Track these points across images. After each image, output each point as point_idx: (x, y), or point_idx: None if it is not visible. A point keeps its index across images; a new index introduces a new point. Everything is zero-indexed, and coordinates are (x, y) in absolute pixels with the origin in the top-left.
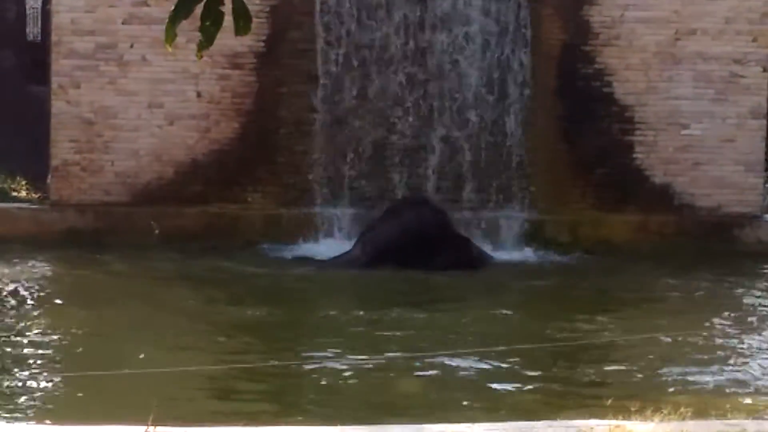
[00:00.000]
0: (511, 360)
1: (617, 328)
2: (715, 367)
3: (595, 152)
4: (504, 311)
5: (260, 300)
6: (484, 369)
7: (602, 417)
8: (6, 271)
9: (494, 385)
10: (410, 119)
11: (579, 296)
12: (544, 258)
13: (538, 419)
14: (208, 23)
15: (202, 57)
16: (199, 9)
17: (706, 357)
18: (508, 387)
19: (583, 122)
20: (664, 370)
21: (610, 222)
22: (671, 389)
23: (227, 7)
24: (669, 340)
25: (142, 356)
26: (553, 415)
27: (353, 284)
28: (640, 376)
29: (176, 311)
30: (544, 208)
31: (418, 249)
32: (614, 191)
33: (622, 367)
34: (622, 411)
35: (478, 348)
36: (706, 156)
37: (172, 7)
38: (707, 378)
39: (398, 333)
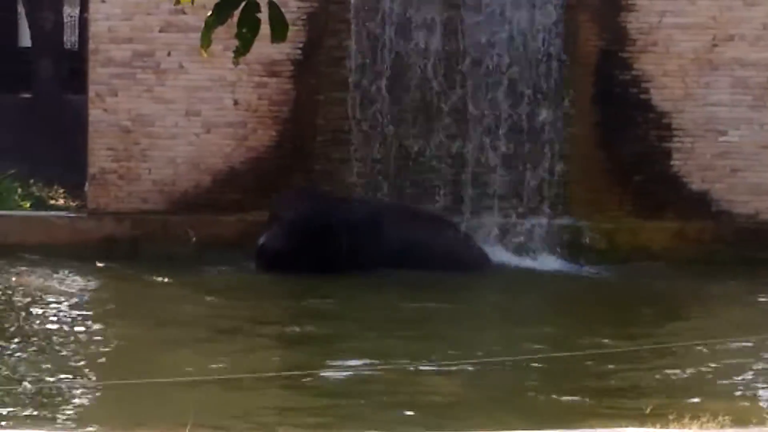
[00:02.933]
0: (548, 368)
1: (656, 336)
2: (755, 375)
3: (633, 159)
4: (534, 318)
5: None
6: (520, 377)
7: (640, 425)
8: (44, 280)
9: (530, 394)
10: (446, 127)
11: (614, 303)
12: (579, 267)
13: (575, 428)
14: (244, 30)
15: (238, 63)
16: (236, 16)
17: (746, 364)
18: (545, 395)
19: (621, 129)
20: (704, 377)
21: (647, 229)
22: (710, 397)
23: (264, 14)
24: (708, 347)
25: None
26: (591, 423)
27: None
28: (678, 383)
29: (209, 320)
30: (581, 215)
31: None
32: (652, 198)
33: (661, 375)
34: (660, 419)
35: (513, 356)
36: (743, 163)
37: (209, 14)
38: (747, 386)
39: (428, 340)
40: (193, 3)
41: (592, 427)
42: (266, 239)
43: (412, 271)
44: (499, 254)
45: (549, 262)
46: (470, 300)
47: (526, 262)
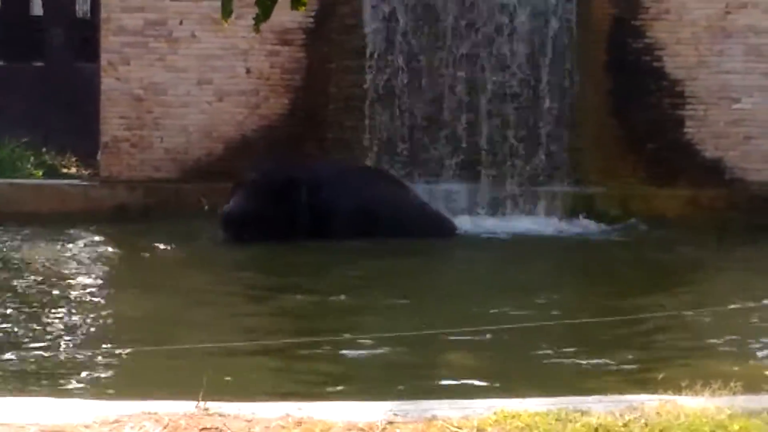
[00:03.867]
0: (558, 335)
1: (669, 302)
2: (767, 341)
3: (646, 127)
4: (542, 285)
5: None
6: (530, 345)
7: (653, 392)
8: (57, 248)
9: (543, 361)
10: (459, 94)
11: (629, 270)
12: (600, 230)
13: (589, 394)
14: None
15: (259, 31)
16: None
17: (759, 330)
18: (558, 362)
19: (633, 97)
20: (715, 344)
21: (660, 196)
22: (722, 363)
23: None
24: (720, 313)
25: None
26: (604, 390)
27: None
28: (689, 350)
29: (224, 289)
30: (594, 182)
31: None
32: (665, 166)
33: (672, 342)
34: (671, 386)
35: (524, 323)
36: (757, 130)
37: None
38: (760, 352)
39: (440, 307)
40: None
41: (603, 393)
42: (231, 205)
43: (380, 238)
44: (513, 221)
45: (560, 228)
46: (474, 268)
47: (538, 229)
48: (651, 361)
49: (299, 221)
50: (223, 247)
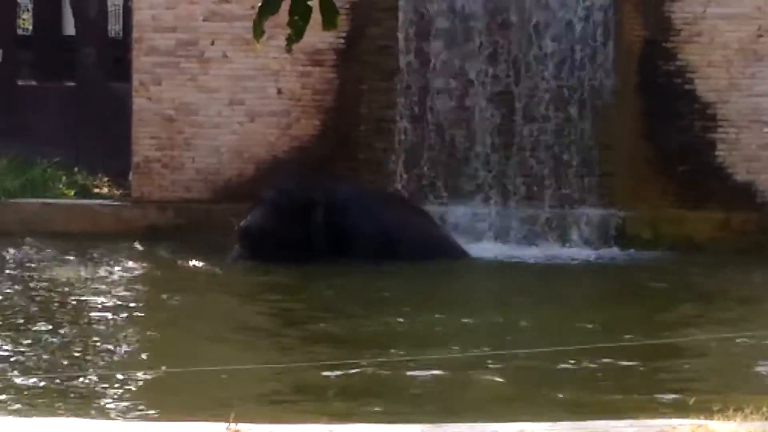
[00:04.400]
0: (591, 358)
1: (701, 326)
2: None
3: (677, 149)
4: (577, 309)
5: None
6: (564, 367)
7: (684, 416)
8: (87, 268)
9: (574, 384)
10: (491, 117)
11: (660, 294)
12: (630, 254)
13: (620, 418)
14: (296, 17)
15: (291, 51)
16: (285, 5)
17: None
18: (589, 385)
19: (665, 119)
20: (749, 369)
21: (691, 219)
22: (754, 389)
23: (314, 3)
24: (753, 338)
25: None
26: (635, 413)
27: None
28: (724, 375)
29: (252, 310)
30: (625, 205)
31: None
32: (696, 189)
33: (706, 366)
34: (704, 410)
35: (554, 347)
36: None
37: (260, 3)
38: None
39: (467, 330)
40: None
41: (635, 418)
42: (248, 222)
43: (395, 261)
44: (543, 245)
45: (591, 252)
46: (504, 291)
47: (570, 252)
48: (683, 386)
49: (315, 241)
50: (245, 266)
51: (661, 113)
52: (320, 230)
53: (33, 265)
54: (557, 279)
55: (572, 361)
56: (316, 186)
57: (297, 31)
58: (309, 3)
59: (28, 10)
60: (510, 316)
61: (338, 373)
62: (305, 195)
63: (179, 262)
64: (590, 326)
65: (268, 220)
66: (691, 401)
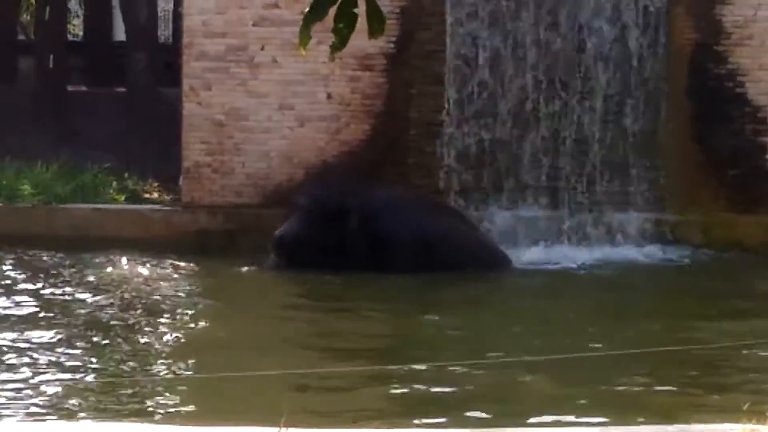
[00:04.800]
0: (645, 363)
1: (755, 330)
2: None
3: (728, 153)
4: (629, 313)
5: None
6: (617, 372)
7: (737, 421)
8: (138, 273)
9: (625, 389)
10: (541, 120)
11: (712, 297)
12: (680, 257)
13: (672, 423)
14: (341, 25)
15: (335, 59)
16: (332, 11)
17: None
18: (641, 390)
19: (715, 122)
20: None
21: (741, 223)
22: None
23: (361, 9)
24: None
25: None
26: (687, 419)
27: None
28: None
29: (302, 316)
30: (676, 209)
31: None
32: (746, 192)
33: (759, 371)
34: (757, 415)
35: (608, 351)
36: None
37: (305, 9)
38: None
39: (519, 335)
40: None
41: (688, 422)
42: (283, 230)
43: (432, 269)
44: (594, 248)
45: (644, 256)
46: (555, 295)
47: (621, 255)
48: (736, 390)
49: (350, 249)
50: (282, 275)
51: (712, 117)
52: (355, 238)
53: (84, 270)
54: (609, 283)
55: (625, 365)
56: (351, 193)
57: (341, 39)
58: (355, 10)
59: (78, 16)
60: (560, 322)
61: (388, 379)
62: (339, 202)
63: (235, 270)
64: (643, 330)
65: (302, 228)
66: (744, 406)
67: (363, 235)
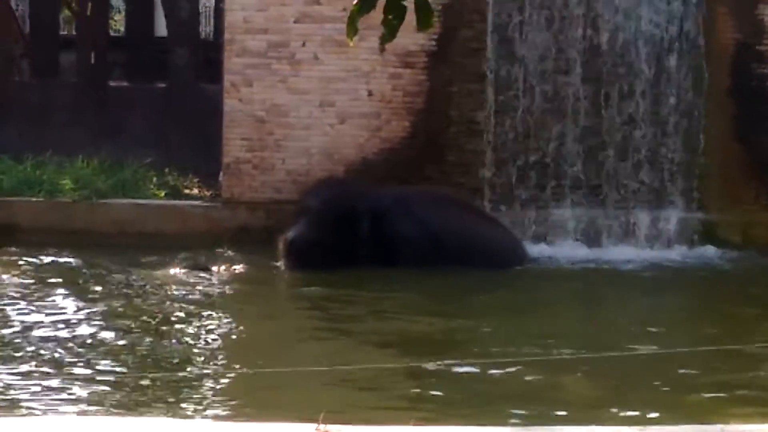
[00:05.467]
0: (681, 363)
1: None
2: None
3: None
4: (667, 312)
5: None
6: (655, 371)
7: None
8: (177, 269)
9: (667, 387)
10: (581, 118)
11: (752, 298)
12: (721, 258)
13: (712, 423)
14: (390, 17)
15: (384, 50)
16: (380, 4)
17: None
18: (683, 389)
19: (757, 122)
20: None
21: None
22: None
23: (409, 3)
24: None
25: None
26: (728, 418)
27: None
28: None
29: (342, 313)
30: (716, 208)
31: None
32: None
33: None
34: None
35: (646, 350)
36: None
37: (353, 3)
38: None
39: (559, 333)
40: None
41: (725, 423)
42: (293, 233)
43: (445, 267)
44: (634, 247)
45: (681, 256)
46: (593, 294)
47: (659, 256)
48: None
49: (361, 249)
50: (295, 276)
51: (754, 116)
52: (365, 238)
53: (123, 266)
54: (644, 282)
55: (663, 365)
56: (361, 193)
57: (390, 31)
58: (404, 3)
59: (120, 12)
60: (597, 320)
61: (424, 375)
62: (348, 203)
63: (275, 266)
64: (682, 330)
65: (312, 230)
66: None
67: (372, 234)
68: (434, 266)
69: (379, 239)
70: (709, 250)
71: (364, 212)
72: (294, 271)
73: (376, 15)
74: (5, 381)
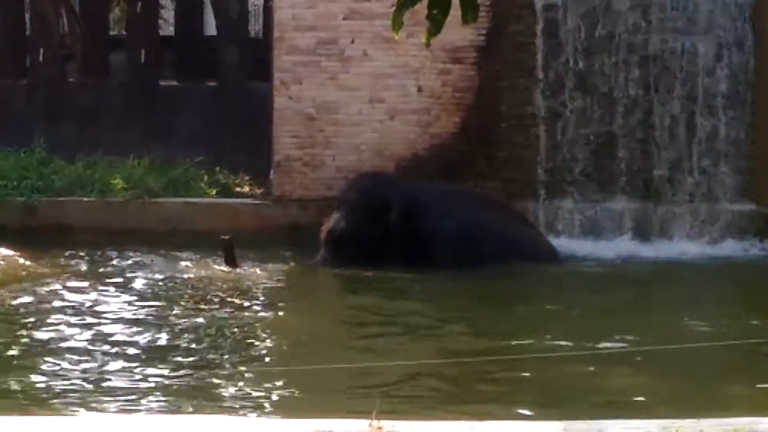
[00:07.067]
0: (729, 356)
1: None
2: None
3: None
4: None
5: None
6: (700, 364)
7: None
8: (230, 267)
9: (719, 381)
10: (631, 113)
11: None
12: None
13: (765, 415)
14: (435, 11)
15: (429, 45)
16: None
17: None
18: (735, 382)
19: None
20: None
21: None
22: None
23: None
24: None
25: None
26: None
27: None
28: None
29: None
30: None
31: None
32: None
33: None
34: None
35: (698, 343)
36: None
37: None
38: None
39: (615, 325)
40: None
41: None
42: (330, 225)
43: (477, 264)
44: (684, 242)
45: (734, 249)
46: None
47: (709, 250)
48: None
49: (394, 244)
50: (333, 270)
51: None
52: (398, 232)
53: (175, 265)
54: (704, 276)
55: (708, 359)
56: (396, 186)
57: (436, 25)
58: None
59: (169, 10)
60: (644, 313)
61: (476, 370)
62: (383, 196)
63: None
64: (727, 324)
65: (349, 222)
66: None
67: (405, 229)
68: (464, 261)
69: (414, 233)
70: (760, 243)
71: (397, 205)
72: (328, 263)
73: (424, 11)
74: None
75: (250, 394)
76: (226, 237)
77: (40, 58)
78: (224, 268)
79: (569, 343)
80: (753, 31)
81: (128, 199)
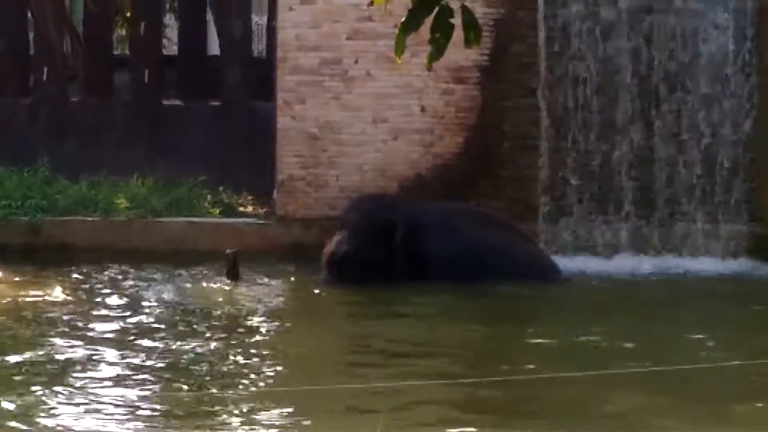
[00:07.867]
0: (745, 378)
1: None
2: None
3: None
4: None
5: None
6: (716, 385)
7: None
8: (233, 287)
9: (732, 401)
10: (635, 133)
11: None
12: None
13: None
14: (438, 35)
15: (431, 68)
16: (427, 22)
17: None
18: (753, 403)
19: None
20: None
21: None
22: None
23: (456, 21)
24: None
25: None
26: None
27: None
28: None
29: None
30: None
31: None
32: None
33: None
34: None
35: (716, 363)
36: None
37: (402, 20)
38: None
39: (632, 345)
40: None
41: None
42: (333, 246)
43: (480, 283)
44: (689, 261)
45: (738, 269)
46: (655, 307)
47: (715, 269)
48: None
49: (397, 264)
50: (336, 291)
51: None
52: (401, 253)
53: (178, 284)
54: (707, 295)
55: (733, 377)
56: (399, 207)
57: (438, 49)
58: (451, 21)
59: (172, 29)
60: (655, 332)
61: (481, 390)
62: (385, 216)
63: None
64: (742, 342)
65: (351, 244)
66: None
67: (407, 249)
68: (473, 282)
69: (417, 253)
70: (759, 264)
71: (399, 225)
72: (331, 284)
73: (428, 31)
74: (57, 405)
75: (252, 415)
76: (231, 251)
77: (44, 78)
78: (226, 281)
79: (575, 364)
80: (756, 44)
81: (132, 218)
